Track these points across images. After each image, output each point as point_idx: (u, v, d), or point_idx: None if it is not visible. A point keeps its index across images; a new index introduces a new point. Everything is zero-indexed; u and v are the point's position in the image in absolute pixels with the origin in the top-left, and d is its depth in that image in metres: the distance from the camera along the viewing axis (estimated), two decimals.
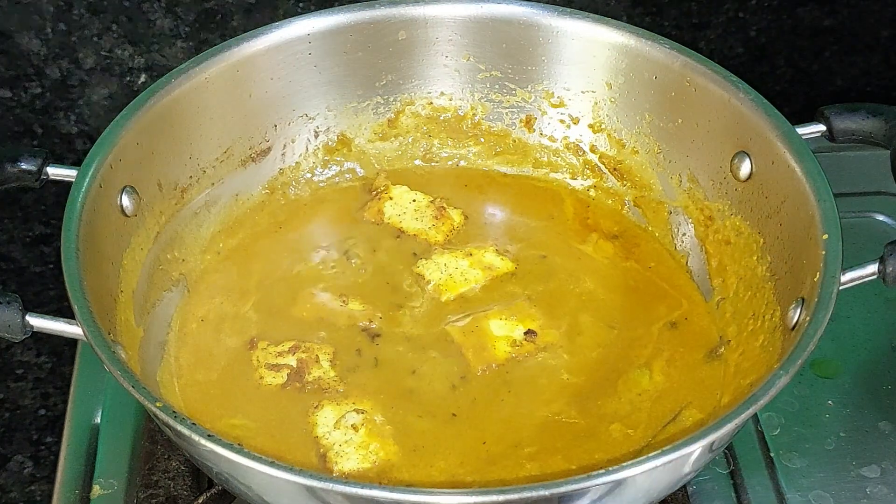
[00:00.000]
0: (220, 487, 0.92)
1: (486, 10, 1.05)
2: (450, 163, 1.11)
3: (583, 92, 1.06)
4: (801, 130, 0.92)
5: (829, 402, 1.01)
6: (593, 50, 1.04)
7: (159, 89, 0.96)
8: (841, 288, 0.81)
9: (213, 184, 1.02)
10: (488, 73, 1.08)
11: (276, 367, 0.91)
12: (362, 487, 0.70)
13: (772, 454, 0.97)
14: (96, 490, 0.95)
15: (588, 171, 1.08)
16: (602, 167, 1.07)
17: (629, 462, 0.70)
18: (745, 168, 0.96)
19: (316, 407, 0.89)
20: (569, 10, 1.04)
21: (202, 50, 1.01)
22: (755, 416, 0.99)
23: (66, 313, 0.81)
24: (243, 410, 0.89)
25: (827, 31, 1.33)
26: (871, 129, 0.93)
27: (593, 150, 1.08)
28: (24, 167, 0.90)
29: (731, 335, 0.94)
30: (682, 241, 1.03)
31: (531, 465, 0.85)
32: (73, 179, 0.89)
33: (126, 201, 0.92)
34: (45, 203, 1.28)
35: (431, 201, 1.05)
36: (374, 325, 0.95)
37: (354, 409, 0.88)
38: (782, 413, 0.99)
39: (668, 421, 0.89)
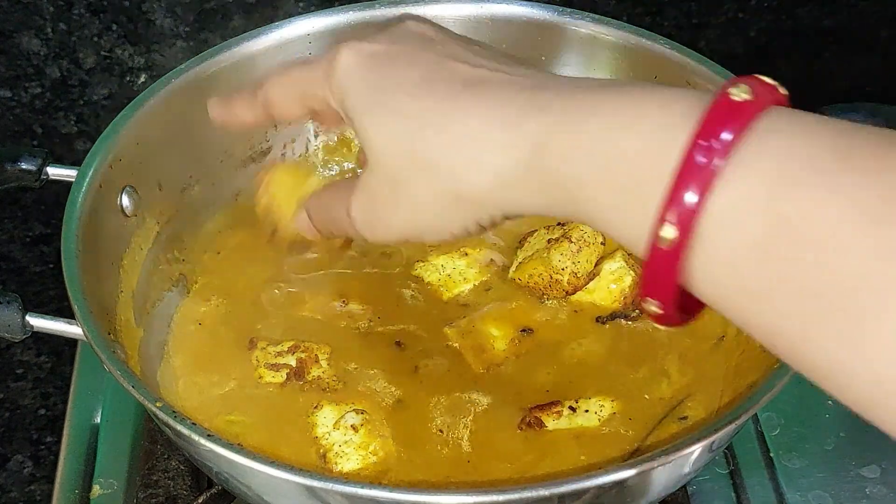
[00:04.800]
0: (220, 487, 0.92)
1: (486, 10, 1.05)
2: None
3: None
4: None
5: (829, 402, 1.01)
6: (593, 50, 1.04)
7: (159, 89, 0.96)
8: None
9: (213, 184, 1.02)
10: None
11: (275, 367, 0.91)
12: (362, 487, 0.70)
13: (772, 454, 0.97)
14: (96, 490, 0.95)
15: None
16: None
17: (629, 462, 0.71)
18: None
19: (315, 407, 0.88)
20: (569, 10, 1.04)
21: (202, 50, 1.01)
22: (755, 416, 0.99)
23: (66, 313, 0.81)
24: (243, 410, 0.89)
25: (827, 31, 1.33)
26: None
27: None
28: (24, 167, 0.90)
29: (731, 334, 0.94)
30: None
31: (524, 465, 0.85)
32: (73, 179, 0.89)
33: (126, 201, 0.92)
34: (45, 203, 1.28)
35: None
36: (373, 326, 0.95)
37: (354, 410, 0.88)
38: (782, 413, 0.99)
39: (667, 412, 0.89)
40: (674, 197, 0.52)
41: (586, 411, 0.88)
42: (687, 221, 0.52)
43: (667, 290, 0.55)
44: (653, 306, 0.56)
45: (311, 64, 0.70)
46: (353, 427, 0.86)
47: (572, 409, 0.88)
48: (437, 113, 0.63)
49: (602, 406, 0.89)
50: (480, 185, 0.62)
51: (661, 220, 0.52)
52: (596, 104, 0.57)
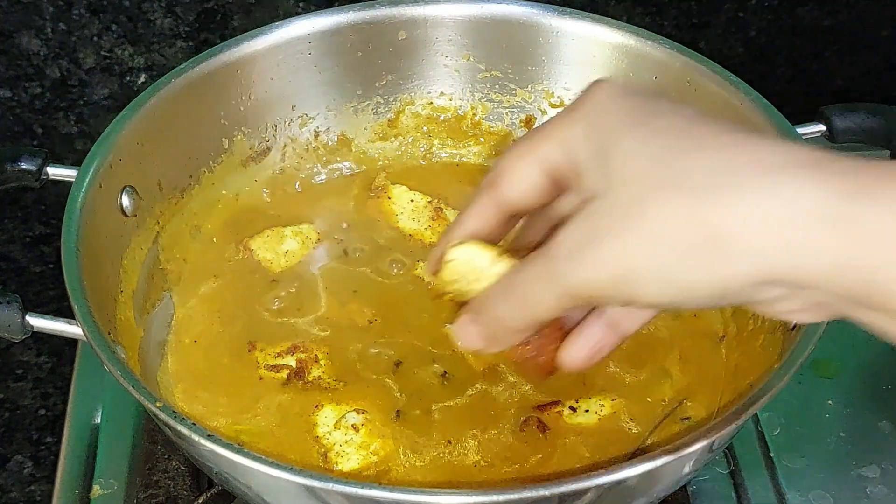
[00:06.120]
0: (220, 487, 0.92)
1: (486, 10, 1.05)
2: (450, 163, 1.11)
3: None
4: (801, 130, 0.92)
5: (829, 402, 1.01)
6: (593, 50, 1.04)
7: (159, 89, 0.96)
8: None
9: (213, 184, 1.02)
10: (488, 73, 1.08)
11: (275, 368, 0.91)
12: (362, 487, 0.70)
13: (772, 454, 0.97)
14: (96, 490, 0.95)
15: None
16: None
17: (629, 462, 0.70)
18: None
19: (316, 407, 0.88)
20: (569, 10, 1.04)
21: (202, 50, 1.01)
22: (755, 416, 0.99)
23: (66, 313, 0.81)
24: (247, 415, 0.89)
25: (827, 31, 1.33)
26: (871, 129, 0.93)
27: None
28: (24, 167, 0.90)
29: (731, 334, 0.94)
30: None
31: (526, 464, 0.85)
32: (73, 179, 0.89)
33: (126, 201, 0.92)
34: (45, 203, 1.28)
35: (430, 202, 1.05)
36: (373, 326, 0.95)
37: (354, 409, 0.88)
38: (782, 413, 0.99)
39: (669, 411, 0.89)
40: None
41: (586, 411, 0.88)
42: None
43: None
44: None
45: (550, 121, 0.61)
46: (354, 427, 0.86)
47: (573, 408, 0.88)
48: (718, 137, 0.53)
49: (602, 405, 0.89)
50: (760, 221, 0.50)
51: None
52: None
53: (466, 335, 0.65)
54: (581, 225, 0.56)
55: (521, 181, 0.62)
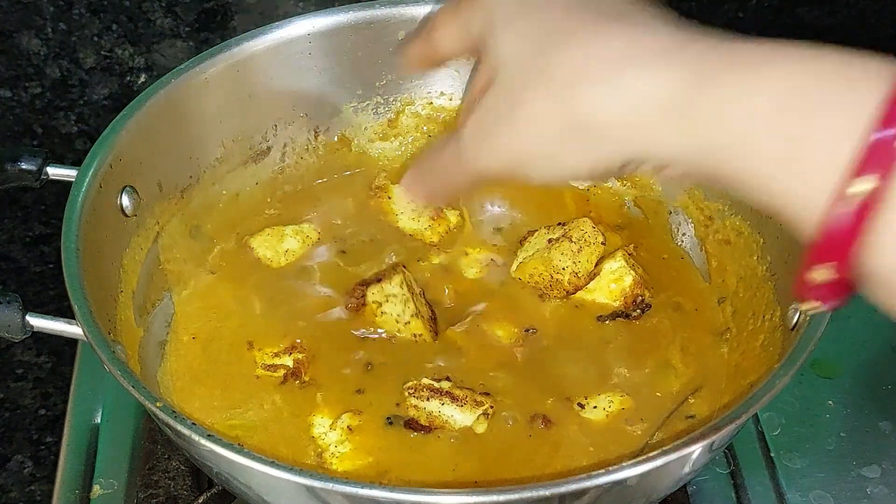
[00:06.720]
0: (220, 487, 0.92)
1: None
2: None
3: None
4: None
5: (829, 402, 1.01)
6: None
7: (159, 89, 0.96)
8: None
9: (213, 184, 1.02)
10: None
11: (272, 368, 0.91)
12: (362, 487, 0.70)
13: (772, 454, 0.97)
14: (96, 490, 0.95)
15: None
16: None
17: (629, 462, 0.70)
18: None
19: (312, 407, 0.88)
20: None
21: (202, 50, 1.01)
22: (755, 416, 0.99)
23: (66, 313, 0.81)
24: (242, 413, 0.89)
25: (827, 31, 1.33)
26: None
27: None
28: (24, 167, 0.90)
29: (731, 334, 0.94)
30: (682, 241, 1.03)
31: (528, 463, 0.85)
32: (73, 179, 0.89)
33: (126, 201, 0.92)
34: (45, 203, 1.28)
35: None
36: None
37: (351, 410, 0.88)
38: (782, 413, 0.99)
39: (675, 407, 0.89)
40: (881, 145, 0.48)
41: (595, 407, 0.88)
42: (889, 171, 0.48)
43: (844, 251, 0.50)
44: (822, 274, 0.52)
45: None
46: (350, 427, 0.86)
47: (581, 405, 0.88)
48: (584, 31, 0.59)
49: (611, 402, 0.88)
50: (612, 112, 0.56)
51: (860, 171, 0.48)
52: (774, 50, 0.53)
53: (412, 190, 0.73)
54: (479, 114, 0.63)
55: (450, 39, 0.71)
